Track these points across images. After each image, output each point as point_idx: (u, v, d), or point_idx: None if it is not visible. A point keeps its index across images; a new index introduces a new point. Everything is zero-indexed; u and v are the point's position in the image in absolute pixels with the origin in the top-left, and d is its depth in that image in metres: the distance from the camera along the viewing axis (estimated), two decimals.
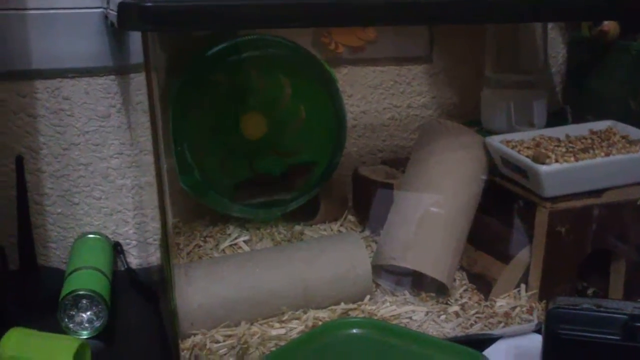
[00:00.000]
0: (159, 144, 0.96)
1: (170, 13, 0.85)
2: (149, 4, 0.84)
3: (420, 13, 0.96)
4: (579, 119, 1.39)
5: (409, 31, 1.45)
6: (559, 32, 1.55)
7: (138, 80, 1.26)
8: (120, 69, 1.25)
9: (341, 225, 1.35)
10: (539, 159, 1.11)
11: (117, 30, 1.22)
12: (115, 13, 0.90)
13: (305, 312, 1.10)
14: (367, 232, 1.33)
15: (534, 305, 1.13)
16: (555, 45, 1.55)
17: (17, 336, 0.97)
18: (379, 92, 1.45)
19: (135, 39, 1.22)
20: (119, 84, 1.25)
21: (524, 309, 1.13)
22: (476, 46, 1.44)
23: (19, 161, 1.18)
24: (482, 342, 1.07)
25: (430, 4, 0.95)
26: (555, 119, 1.40)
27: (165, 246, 1.01)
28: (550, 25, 1.48)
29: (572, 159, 1.12)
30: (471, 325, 1.10)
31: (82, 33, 1.22)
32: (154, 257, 1.33)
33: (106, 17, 1.18)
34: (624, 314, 0.92)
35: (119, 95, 1.26)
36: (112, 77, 1.25)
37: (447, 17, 0.99)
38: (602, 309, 0.93)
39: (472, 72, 1.49)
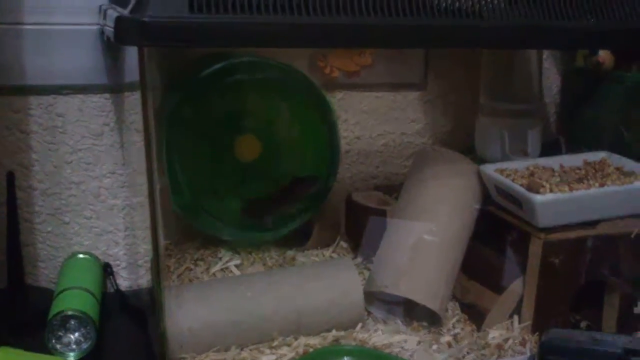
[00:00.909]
0: (152, 163, 0.96)
1: (168, 29, 0.85)
2: (147, 19, 0.84)
3: (417, 36, 0.96)
4: (573, 149, 1.39)
5: (404, 57, 1.45)
6: (553, 62, 1.55)
7: (132, 99, 1.25)
8: (115, 87, 1.24)
9: (333, 252, 1.35)
10: (533, 188, 1.11)
11: (112, 48, 1.21)
12: (112, 28, 0.89)
13: (296, 339, 1.09)
14: (359, 259, 1.32)
15: (526, 337, 1.12)
16: (549, 75, 1.55)
17: (4, 356, 0.95)
18: (373, 118, 1.45)
19: (130, 57, 1.22)
20: (113, 102, 1.25)
21: (517, 340, 1.12)
22: (470, 74, 1.44)
23: (10, 177, 1.17)
24: None
25: (427, 28, 0.95)
26: (549, 149, 1.39)
27: (156, 268, 1.00)
28: (544, 54, 1.48)
29: (567, 189, 1.12)
30: (463, 356, 1.09)
31: (77, 50, 1.21)
32: (144, 280, 1.31)
33: (102, 32, 1.17)
34: (618, 348, 0.92)
35: (112, 114, 1.25)
36: (107, 95, 1.24)
37: (443, 41, 0.99)
38: (596, 343, 0.93)
39: (466, 99, 1.49)
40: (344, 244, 1.37)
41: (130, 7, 0.86)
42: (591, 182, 1.15)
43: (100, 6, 1.15)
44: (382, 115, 1.45)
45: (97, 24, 1.20)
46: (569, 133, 1.48)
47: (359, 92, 1.43)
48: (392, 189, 1.37)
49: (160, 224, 1.00)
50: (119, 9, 0.95)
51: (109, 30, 0.96)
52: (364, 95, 1.44)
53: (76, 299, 1.11)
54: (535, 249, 1.11)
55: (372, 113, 1.44)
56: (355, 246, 1.35)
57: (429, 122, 1.49)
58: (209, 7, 0.86)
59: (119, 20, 0.86)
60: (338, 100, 1.42)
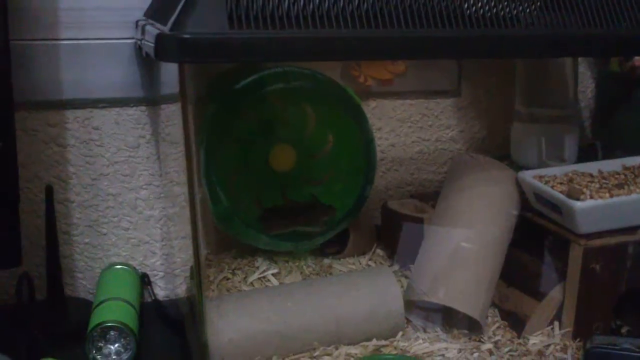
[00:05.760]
0: (193, 174, 0.96)
1: (209, 45, 0.85)
2: (187, 36, 0.84)
3: (452, 47, 0.96)
4: (608, 154, 1.38)
5: (437, 64, 1.45)
6: (587, 66, 1.54)
7: (168, 111, 1.26)
8: (151, 100, 1.25)
9: (370, 259, 1.34)
10: (573, 195, 1.10)
11: (148, 61, 1.22)
12: (152, 44, 0.89)
13: (336, 348, 1.09)
14: (395, 267, 1.31)
15: (568, 343, 1.11)
16: (584, 79, 1.54)
17: None
18: (407, 126, 1.44)
19: (166, 70, 1.22)
20: (149, 115, 1.25)
21: (558, 347, 1.11)
22: (504, 79, 1.43)
23: (49, 191, 1.17)
24: None
25: (463, 39, 0.95)
26: (585, 154, 1.38)
27: (197, 279, 1.00)
28: (579, 59, 1.47)
29: (607, 195, 1.11)
30: None
31: (113, 63, 1.21)
32: (181, 289, 1.32)
33: (140, 48, 1.18)
34: None
35: (148, 126, 1.25)
36: (143, 107, 1.25)
37: (476, 52, 0.99)
38: None
39: (500, 105, 1.48)
40: (380, 252, 1.37)
41: (170, 24, 0.86)
42: (631, 187, 1.14)
43: (137, 21, 1.15)
44: (416, 123, 1.45)
45: (132, 38, 1.20)
46: (604, 138, 1.47)
47: (393, 99, 1.43)
48: (428, 196, 1.36)
49: (201, 233, 1.00)
50: (158, 25, 0.95)
51: (148, 45, 0.96)
52: (398, 103, 1.43)
53: (115, 310, 1.12)
54: (575, 255, 1.10)
55: (406, 121, 1.44)
56: (392, 254, 1.34)
57: (463, 129, 1.48)
58: (248, 22, 0.86)
59: (159, 37, 0.86)
60: (372, 109, 1.41)
